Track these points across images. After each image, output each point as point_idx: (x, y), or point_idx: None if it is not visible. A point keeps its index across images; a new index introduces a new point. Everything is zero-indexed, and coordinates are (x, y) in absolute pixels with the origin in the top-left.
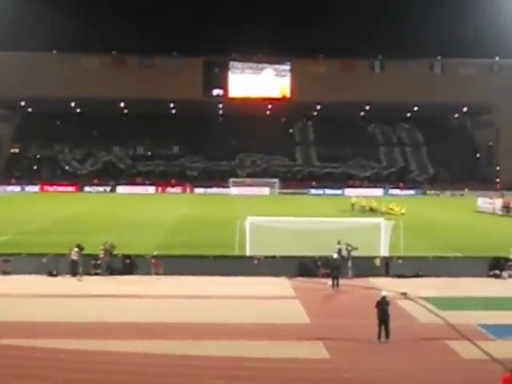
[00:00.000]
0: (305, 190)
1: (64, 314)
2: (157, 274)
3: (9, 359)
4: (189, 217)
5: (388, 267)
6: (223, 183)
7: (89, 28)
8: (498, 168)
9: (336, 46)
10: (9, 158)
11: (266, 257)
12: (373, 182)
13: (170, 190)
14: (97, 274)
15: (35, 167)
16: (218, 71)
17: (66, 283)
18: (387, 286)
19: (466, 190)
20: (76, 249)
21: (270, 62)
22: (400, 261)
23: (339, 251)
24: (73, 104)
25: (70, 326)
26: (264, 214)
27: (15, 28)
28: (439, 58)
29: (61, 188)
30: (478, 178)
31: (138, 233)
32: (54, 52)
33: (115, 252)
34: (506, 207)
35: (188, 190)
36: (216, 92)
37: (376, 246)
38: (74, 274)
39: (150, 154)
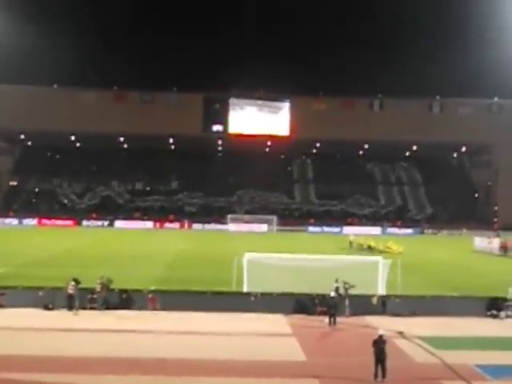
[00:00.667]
0: (303, 228)
1: (60, 348)
2: (154, 309)
3: None
4: (187, 252)
5: (385, 306)
6: (221, 219)
7: (89, 63)
8: (496, 208)
9: (336, 84)
10: (7, 190)
11: (263, 293)
12: (371, 220)
13: (168, 225)
14: (93, 309)
15: (34, 200)
16: (218, 107)
17: (61, 317)
18: (384, 324)
19: (464, 230)
20: (72, 283)
21: (270, 99)
22: (397, 300)
23: (336, 289)
24: (72, 138)
25: (66, 360)
26: (262, 251)
27: (16, 62)
28: (438, 97)
29: (59, 222)
30: (476, 218)
31: (135, 268)
32: (55, 86)
33: (112, 286)
34: (503, 247)
35: (186, 225)
36: (215, 128)
37: (373, 285)
38: (70, 308)
39: (148, 189)
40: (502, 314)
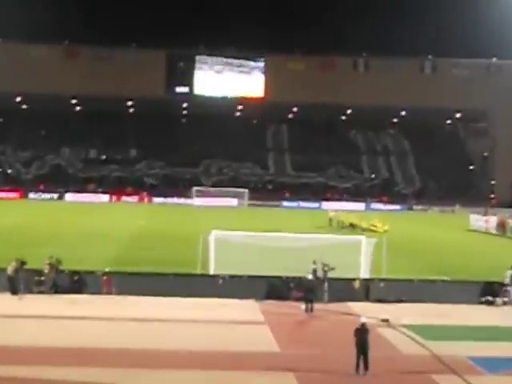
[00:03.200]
0: (277, 202)
1: (2, 337)
2: (108, 293)
3: None
4: (146, 229)
5: (368, 291)
6: (185, 193)
7: (39, 14)
8: (493, 182)
9: (315, 41)
10: None
11: (231, 276)
12: (353, 194)
13: (125, 198)
14: (40, 292)
15: None
16: (182, 66)
17: (4, 302)
18: (367, 311)
19: (457, 206)
20: (14, 263)
21: (242, 58)
22: (382, 284)
23: (314, 272)
24: (18, 99)
25: (9, 350)
26: (231, 228)
27: None
28: (430, 57)
29: (2, 194)
30: (471, 193)
31: (88, 246)
32: None
33: (62, 267)
34: (501, 226)
35: (146, 199)
36: (180, 89)
37: (355, 267)
38: (13, 291)
39: (103, 157)
40: (498, 300)
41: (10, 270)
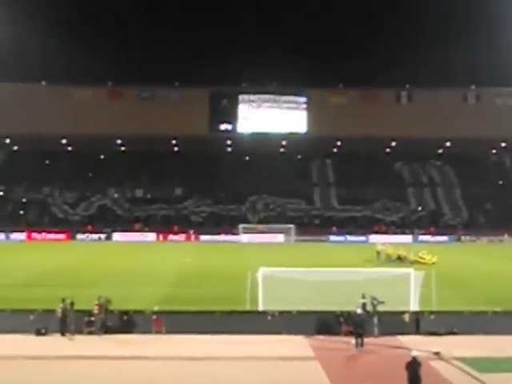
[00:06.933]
0: (324, 237)
1: (53, 379)
2: (158, 332)
3: None
4: (194, 267)
5: (419, 324)
6: (232, 230)
7: (82, 57)
8: None
9: (357, 74)
10: None
11: (280, 312)
12: (400, 227)
13: (172, 237)
14: (90, 333)
15: (21, 212)
16: (225, 103)
17: (55, 343)
18: (418, 344)
19: (506, 236)
20: (62, 304)
21: (285, 94)
22: (432, 316)
23: (363, 306)
24: (64, 141)
25: None
26: (278, 265)
27: None
28: (473, 87)
29: (50, 235)
30: None
31: (136, 286)
32: (43, 83)
33: (111, 307)
34: None
35: (193, 237)
36: (224, 127)
37: (405, 300)
38: (62, 332)
39: (149, 196)
40: None
41: (58, 311)
